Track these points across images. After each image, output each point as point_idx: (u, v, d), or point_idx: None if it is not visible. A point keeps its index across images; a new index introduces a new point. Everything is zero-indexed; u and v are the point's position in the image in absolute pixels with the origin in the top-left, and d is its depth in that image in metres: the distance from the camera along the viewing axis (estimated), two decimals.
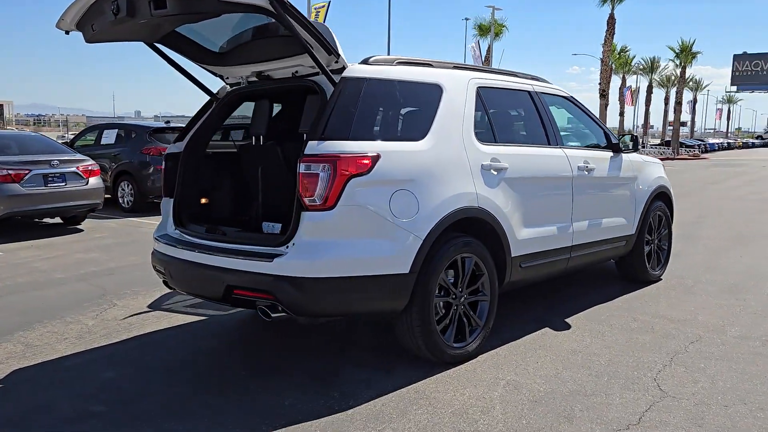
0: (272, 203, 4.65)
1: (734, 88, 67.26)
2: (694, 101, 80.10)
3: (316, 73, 4.00)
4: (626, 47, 55.82)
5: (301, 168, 3.52)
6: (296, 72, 4.17)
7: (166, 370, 4.06)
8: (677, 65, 54.91)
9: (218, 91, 4.71)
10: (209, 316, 5.23)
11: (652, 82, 63.88)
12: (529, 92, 5.03)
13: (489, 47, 38.64)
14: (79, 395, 3.64)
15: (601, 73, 38.97)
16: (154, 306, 5.58)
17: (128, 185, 12.37)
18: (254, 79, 4.46)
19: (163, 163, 4.63)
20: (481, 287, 4.22)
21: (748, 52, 62.98)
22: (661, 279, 6.38)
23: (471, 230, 4.12)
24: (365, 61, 3.97)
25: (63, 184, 9.51)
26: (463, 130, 4.16)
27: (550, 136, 5.01)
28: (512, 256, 4.39)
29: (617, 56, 51.09)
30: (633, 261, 6.07)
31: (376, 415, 3.36)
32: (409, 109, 4.24)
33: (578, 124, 5.66)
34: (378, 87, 3.86)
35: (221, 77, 4.70)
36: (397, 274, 3.66)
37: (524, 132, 4.96)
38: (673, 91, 60.39)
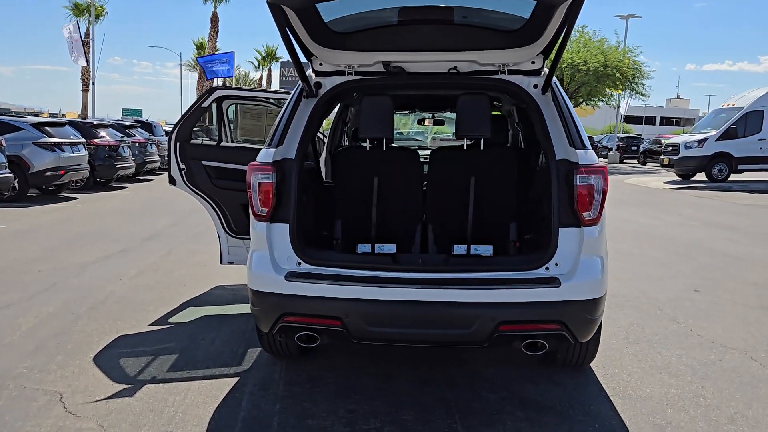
0: (398, 216, 3.85)
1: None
2: None
3: (495, 72, 3.57)
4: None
5: (578, 180, 3.17)
6: (455, 68, 3.59)
7: None
8: (256, 67, 59.78)
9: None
10: (237, 374, 3.96)
11: (226, 82, 67.59)
12: None
13: (88, 30, 34.65)
14: None
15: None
16: (122, 379, 3.89)
17: None
18: (375, 69, 3.61)
19: (268, 175, 3.30)
20: None
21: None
22: None
23: None
24: None
25: None
26: None
27: None
28: None
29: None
30: None
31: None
32: None
33: None
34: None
35: (311, 62, 3.63)
36: None
37: None
38: None
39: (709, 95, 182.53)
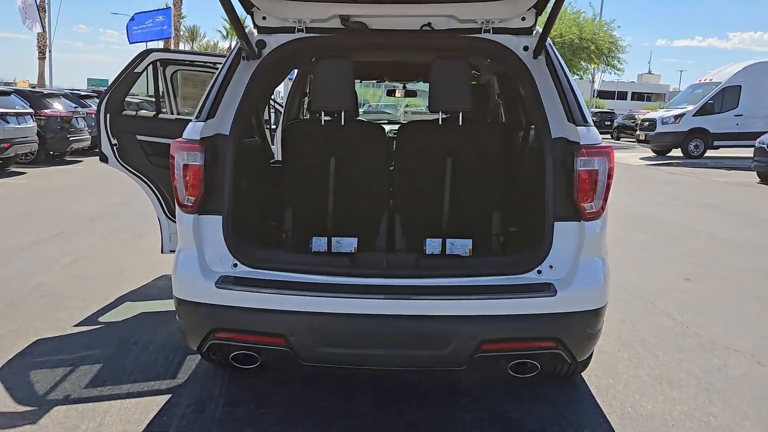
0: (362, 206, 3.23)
1: None
2: None
3: (477, 30, 2.94)
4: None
5: (579, 163, 2.58)
6: (428, 24, 2.95)
7: None
8: (225, 36, 59.18)
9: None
10: (169, 390, 3.33)
11: (194, 49, 66.81)
12: None
13: None
14: None
15: None
16: (27, 399, 3.27)
17: None
18: (331, 25, 2.95)
19: (195, 155, 2.63)
20: None
21: None
22: None
23: None
24: None
25: None
26: None
27: None
28: None
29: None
30: None
31: None
32: None
33: None
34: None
35: (252, 15, 2.95)
36: None
37: None
38: None
39: (681, 71, 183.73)
